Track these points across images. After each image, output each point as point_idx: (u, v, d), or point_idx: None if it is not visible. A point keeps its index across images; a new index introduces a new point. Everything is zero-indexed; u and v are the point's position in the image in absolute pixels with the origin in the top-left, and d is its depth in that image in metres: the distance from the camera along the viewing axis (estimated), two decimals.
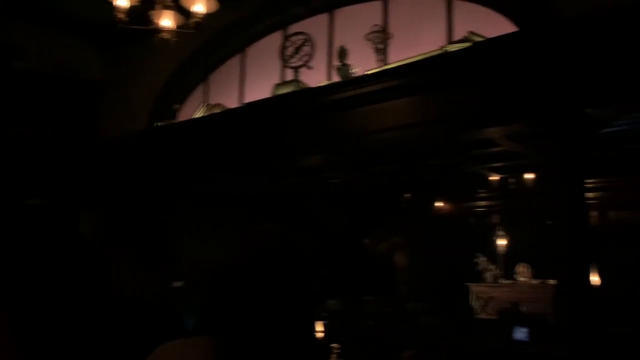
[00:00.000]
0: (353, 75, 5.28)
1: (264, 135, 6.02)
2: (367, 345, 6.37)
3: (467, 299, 8.85)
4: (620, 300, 6.54)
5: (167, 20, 4.69)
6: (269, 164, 6.51)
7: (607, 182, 8.54)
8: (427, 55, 4.68)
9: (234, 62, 6.94)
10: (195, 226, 7.00)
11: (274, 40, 6.55)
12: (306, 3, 6.17)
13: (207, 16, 4.57)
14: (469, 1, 5.07)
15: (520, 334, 5.68)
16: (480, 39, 4.48)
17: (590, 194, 9.00)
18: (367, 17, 5.69)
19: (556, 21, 4.25)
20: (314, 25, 6.15)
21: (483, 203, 9.87)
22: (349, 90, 5.10)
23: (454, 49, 4.56)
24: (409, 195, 9.98)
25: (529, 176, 8.65)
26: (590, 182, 8.91)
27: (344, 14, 5.95)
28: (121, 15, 4.40)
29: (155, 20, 4.68)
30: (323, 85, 5.36)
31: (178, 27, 4.70)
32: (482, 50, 4.28)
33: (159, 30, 4.66)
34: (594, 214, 9.24)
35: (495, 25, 4.74)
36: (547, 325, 6.08)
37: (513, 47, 4.08)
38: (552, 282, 8.23)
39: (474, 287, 8.90)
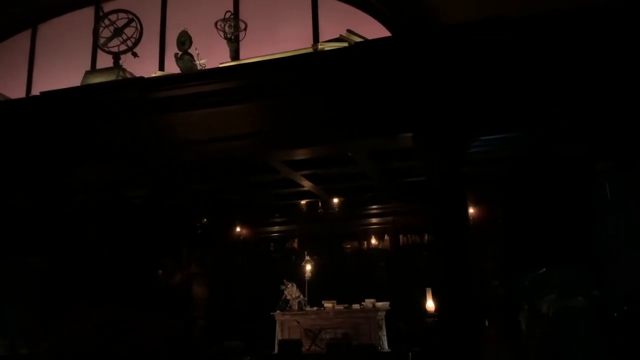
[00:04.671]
0: (200, 67, 4.30)
1: (64, 135, 4.57)
2: None
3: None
4: None
5: None
6: (61, 173, 5.01)
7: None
8: (299, 52, 4.04)
9: (18, 41, 5.23)
10: None
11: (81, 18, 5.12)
12: None
13: None
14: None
15: None
16: (359, 39, 4.01)
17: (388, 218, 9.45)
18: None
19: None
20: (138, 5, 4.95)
21: (283, 228, 9.48)
22: (198, 84, 4.13)
23: (330, 48, 4.00)
24: (206, 219, 9.08)
25: (336, 200, 8.57)
26: (386, 207, 9.29)
27: None
28: None
29: None
30: (166, 75, 4.25)
31: None
32: (370, 50, 3.80)
33: None
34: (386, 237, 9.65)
35: (367, 28, 4.35)
36: (379, 355, 5.86)
37: (408, 47, 3.70)
38: (356, 306, 8.13)
39: (279, 317, 8.32)
